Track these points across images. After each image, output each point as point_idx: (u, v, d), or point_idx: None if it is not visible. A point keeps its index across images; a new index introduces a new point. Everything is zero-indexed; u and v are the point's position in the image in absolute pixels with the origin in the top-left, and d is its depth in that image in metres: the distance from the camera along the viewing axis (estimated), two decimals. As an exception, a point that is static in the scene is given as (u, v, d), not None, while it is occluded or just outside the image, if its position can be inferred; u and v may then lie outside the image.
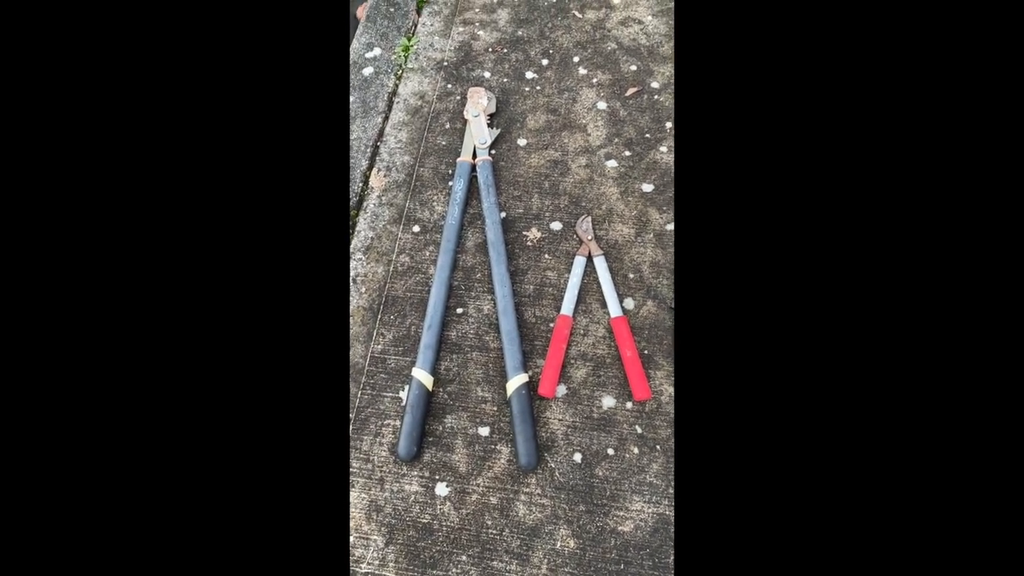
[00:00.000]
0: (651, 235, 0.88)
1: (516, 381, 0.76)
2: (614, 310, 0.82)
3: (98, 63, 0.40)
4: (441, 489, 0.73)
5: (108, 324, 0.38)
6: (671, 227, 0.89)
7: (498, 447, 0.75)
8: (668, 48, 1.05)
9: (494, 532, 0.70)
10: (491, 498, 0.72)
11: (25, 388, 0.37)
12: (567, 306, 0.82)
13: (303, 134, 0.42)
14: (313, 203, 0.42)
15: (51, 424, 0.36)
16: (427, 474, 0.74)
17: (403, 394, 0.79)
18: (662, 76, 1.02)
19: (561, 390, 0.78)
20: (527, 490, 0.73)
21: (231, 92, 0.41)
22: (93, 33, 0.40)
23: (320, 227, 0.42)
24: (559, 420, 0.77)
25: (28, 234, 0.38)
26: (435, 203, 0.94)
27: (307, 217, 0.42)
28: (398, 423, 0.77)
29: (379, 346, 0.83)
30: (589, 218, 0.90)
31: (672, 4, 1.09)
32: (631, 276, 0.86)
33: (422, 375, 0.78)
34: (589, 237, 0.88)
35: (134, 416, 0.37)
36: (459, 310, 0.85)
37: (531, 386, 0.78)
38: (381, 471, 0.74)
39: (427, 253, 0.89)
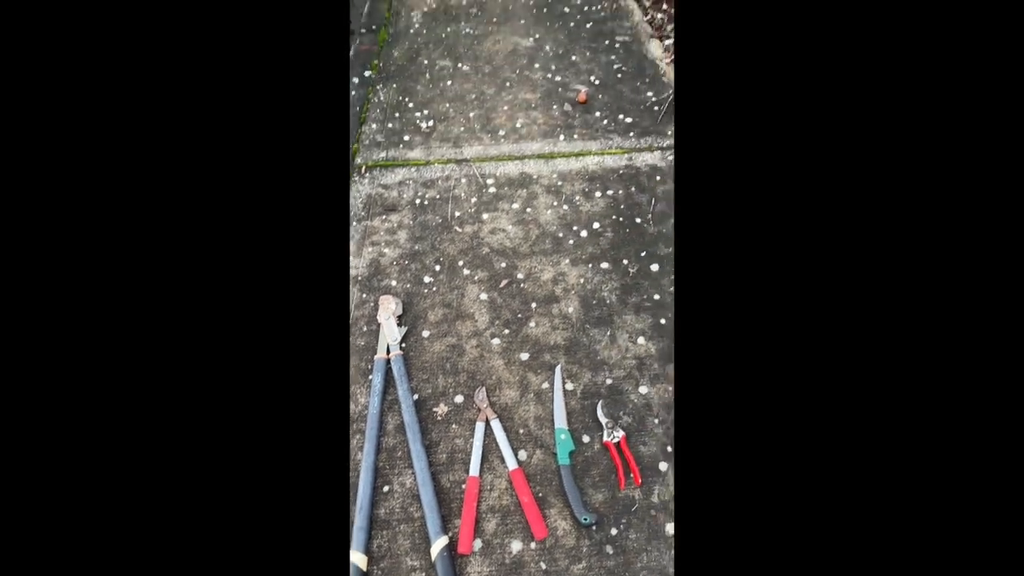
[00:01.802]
0: (532, 395, 1.14)
1: (438, 545, 0.91)
2: (511, 463, 1.02)
3: (93, 95, 0.42)
4: (382, 666, 0.82)
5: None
6: (546, 385, 1.15)
7: (429, 611, 0.87)
8: (527, 247, 1.43)
9: None
10: (427, 663, 0.82)
11: (24, 391, 0.38)
12: (474, 468, 1.02)
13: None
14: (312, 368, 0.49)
15: (44, 430, 0.38)
16: (368, 654, 0.83)
17: (341, 578, 0.90)
18: (524, 269, 1.38)
19: (477, 544, 0.94)
20: (458, 647, 0.83)
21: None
22: (92, 52, 0.42)
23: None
24: (478, 572, 0.91)
25: (26, 227, 0.39)
26: (359, 396, 1.14)
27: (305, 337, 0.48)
28: (338, 608, 0.87)
29: (317, 536, 0.95)
30: (483, 388, 1.14)
31: (524, 214, 1.51)
32: (521, 431, 1.08)
33: (357, 556, 0.90)
34: (485, 405, 1.11)
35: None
36: (385, 488, 1.01)
37: (452, 546, 0.93)
38: (325, 661, 0.82)
39: (354, 442, 1.07)
